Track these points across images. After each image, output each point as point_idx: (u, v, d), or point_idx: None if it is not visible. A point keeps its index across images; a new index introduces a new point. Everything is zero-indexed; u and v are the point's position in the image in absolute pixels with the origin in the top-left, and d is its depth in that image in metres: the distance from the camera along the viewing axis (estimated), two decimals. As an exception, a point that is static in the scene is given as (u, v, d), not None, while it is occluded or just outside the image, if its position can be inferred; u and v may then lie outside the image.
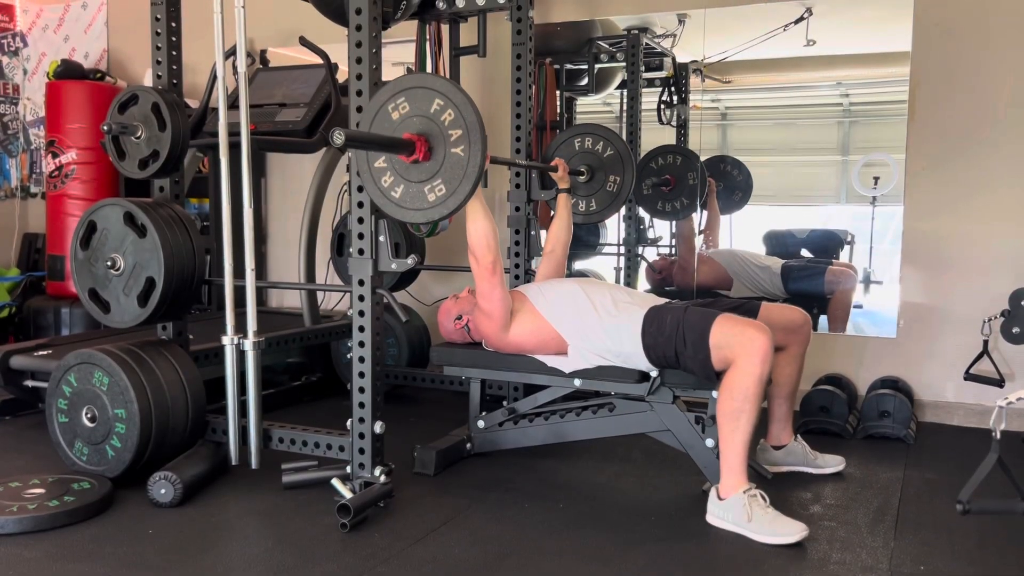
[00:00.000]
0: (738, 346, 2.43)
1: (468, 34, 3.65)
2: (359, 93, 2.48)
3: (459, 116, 2.24)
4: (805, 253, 4.07)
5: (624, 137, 4.19)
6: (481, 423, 3.01)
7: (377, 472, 2.55)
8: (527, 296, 2.81)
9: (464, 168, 2.24)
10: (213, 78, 2.92)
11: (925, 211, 3.61)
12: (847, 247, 3.95)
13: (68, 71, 4.78)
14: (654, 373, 2.65)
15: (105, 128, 2.73)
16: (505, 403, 3.07)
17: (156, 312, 2.73)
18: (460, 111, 2.24)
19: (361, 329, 2.55)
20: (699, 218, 4.13)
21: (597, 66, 4.27)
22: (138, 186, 3.92)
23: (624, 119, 4.22)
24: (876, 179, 3.78)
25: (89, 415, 2.68)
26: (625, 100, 4.22)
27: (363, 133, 2.31)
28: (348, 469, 2.60)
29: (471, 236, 2.63)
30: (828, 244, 4.01)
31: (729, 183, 4.09)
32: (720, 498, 2.44)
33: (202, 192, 4.77)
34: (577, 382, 2.76)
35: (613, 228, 4.33)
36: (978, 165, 3.51)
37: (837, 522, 2.49)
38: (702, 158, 4.08)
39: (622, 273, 4.30)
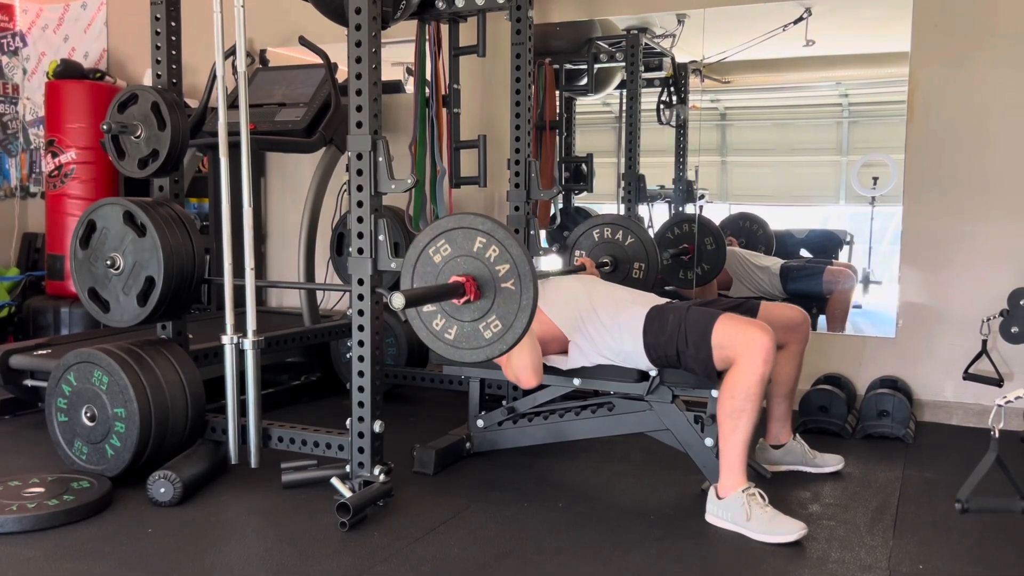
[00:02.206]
0: (740, 345, 2.44)
1: (468, 34, 3.65)
2: (359, 93, 2.48)
3: (504, 251, 2.20)
4: (804, 253, 4.08)
5: (623, 138, 4.21)
6: (480, 422, 3.01)
7: (376, 471, 2.55)
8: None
9: (518, 302, 2.20)
10: (213, 78, 2.93)
11: (924, 211, 3.61)
12: (846, 247, 3.95)
13: (68, 71, 4.78)
14: (653, 372, 2.66)
15: (105, 127, 2.73)
16: (504, 402, 3.07)
17: (156, 311, 2.73)
18: (504, 246, 2.20)
19: (361, 328, 2.55)
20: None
21: (596, 66, 4.27)
22: (138, 185, 3.93)
23: (623, 119, 4.22)
24: (875, 179, 3.78)
25: (88, 414, 2.68)
26: (624, 100, 4.22)
27: (419, 291, 2.23)
28: (347, 468, 2.60)
29: (515, 364, 2.59)
30: (827, 244, 4.02)
31: (750, 239, 4.09)
32: (719, 497, 2.44)
33: (202, 192, 4.77)
34: (576, 381, 2.77)
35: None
36: (976, 164, 3.51)
37: (836, 521, 2.49)
38: (701, 163, 4.08)
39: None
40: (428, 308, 2.31)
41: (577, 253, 3.50)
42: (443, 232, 2.28)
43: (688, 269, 4.11)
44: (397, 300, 2.03)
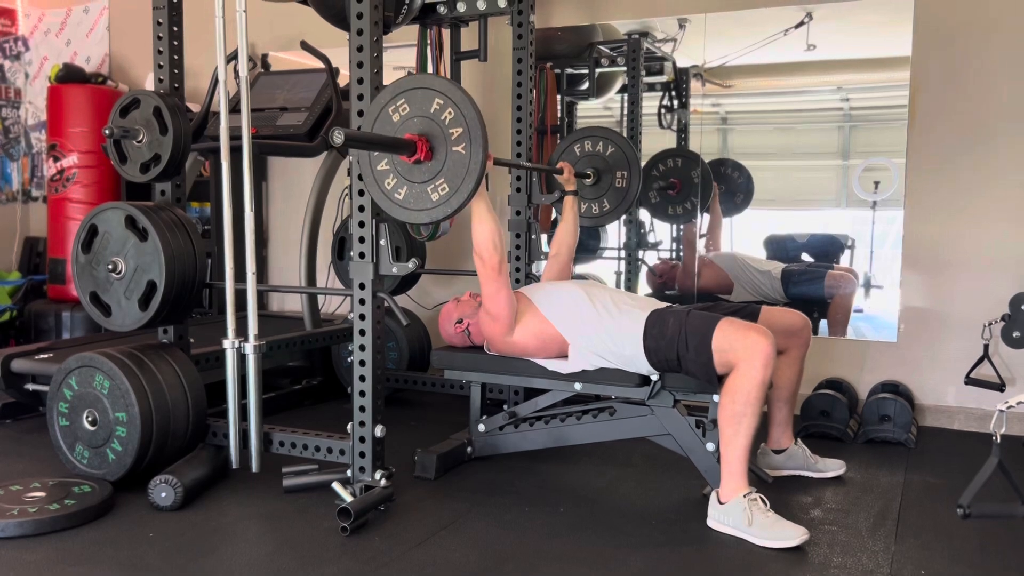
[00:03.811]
0: (741, 350, 2.44)
1: (469, 38, 3.66)
2: (360, 97, 2.49)
3: (459, 114, 2.25)
4: (805, 257, 4.07)
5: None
6: (481, 427, 3.01)
7: (377, 476, 2.55)
8: (529, 297, 2.81)
9: (466, 166, 2.25)
10: (215, 82, 2.93)
11: (925, 215, 3.61)
12: (847, 251, 3.95)
13: (70, 75, 4.79)
14: (655, 377, 2.65)
15: (107, 132, 2.73)
16: (505, 407, 3.07)
17: (157, 315, 2.73)
18: (460, 109, 2.24)
19: (362, 333, 2.55)
20: (700, 221, 4.14)
21: (598, 70, 4.28)
22: (139, 190, 3.94)
23: (625, 123, 4.23)
24: (876, 183, 3.78)
25: (90, 418, 2.68)
26: (626, 104, 4.23)
27: (363, 133, 2.30)
28: (348, 473, 2.60)
29: (476, 237, 2.61)
30: (828, 248, 4.01)
31: (730, 186, 4.09)
32: (721, 502, 2.44)
33: (203, 196, 4.78)
34: (577, 386, 2.76)
35: (613, 232, 4.34)
36: (978, 169, 3.52)
37: (838, 526, 2.49)
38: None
39: (623, 277, 4.30)
40: (382, 167, 2.34)
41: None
42: (403, 91, 2.31)
43: (675, 204, 4.11)
44: (337, 137, 2.05)
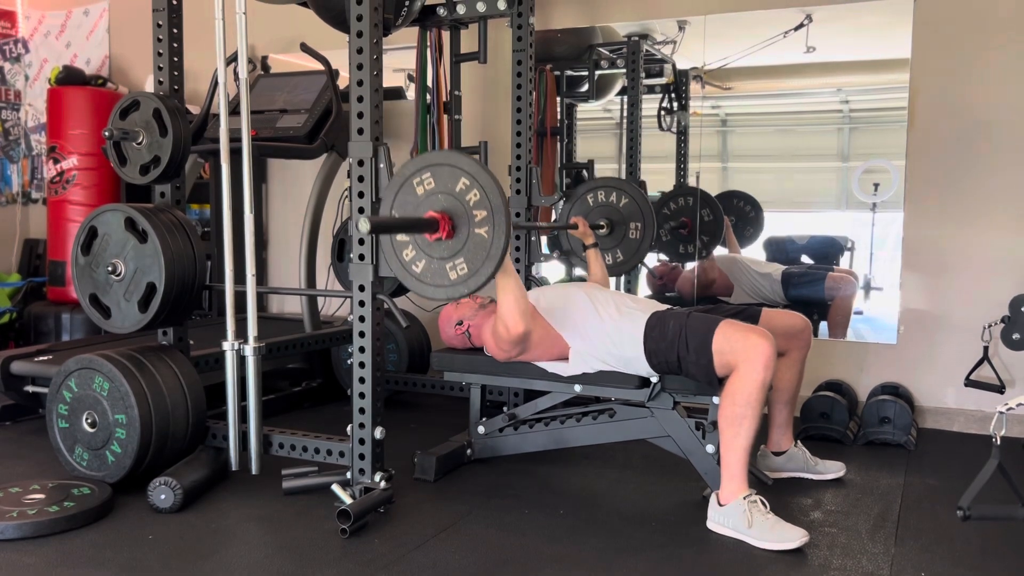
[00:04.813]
0: (741, 352, 2.43)
1: (469, 40, 3.66)
2: (360, 99, 2.48)
3: (484, 197, 2.22)
4: (805, 259, 4.08)
5: (624, 144, 4.21)
6: (481, 429, 3.01)
7: (377, 478, 2.55)
8: (532, 303, 2.80)
9: (487, 250, 2.22)
10: (214, 84, 2.93)
11: (925, 217, 3.61)
12: (847, 253, 3.95)
13: (69, 77, 4.79)
14: (655, 379, 2.65)
15: (107, 134, 2.73)
16: (505, 409, 3.07)
17: (157, 317, 2.73)
18: (486, 192, 2.22)
19: (361, 335, 2.55)
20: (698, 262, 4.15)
21: (597, 72, 4.28)
22: (139, 192, 3.93)
23: (624, 125, 4.23)
24: (876, 185, 3.78)
25: (89, 420, 2.68)
26: (625, 107, 4.23)
27: (387, 219, 2.26)
28: (348, 475, 2.60)
29: (501, 308, 2.57)
30: (828, 250, 4.01)
31: (741, 218, 4.10)
32: (720, 504, 2.44)
33: (203, 198, 4.78)
34: (577, 388, 2.76)
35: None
36: (977, 171, 3.52)
37: (838, 528, 2.48)
38: (702, 169, 4.08)
39: (622, 279, 4.29)
40: (402, 237, 2.33)
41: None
42: (430, 166, 2.29)
43: (688, 243, 4.11)
44: (363, 225, 2.04)
